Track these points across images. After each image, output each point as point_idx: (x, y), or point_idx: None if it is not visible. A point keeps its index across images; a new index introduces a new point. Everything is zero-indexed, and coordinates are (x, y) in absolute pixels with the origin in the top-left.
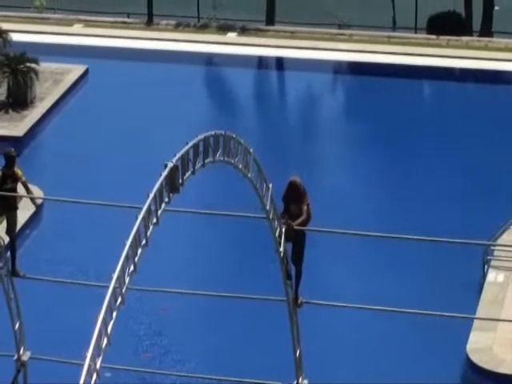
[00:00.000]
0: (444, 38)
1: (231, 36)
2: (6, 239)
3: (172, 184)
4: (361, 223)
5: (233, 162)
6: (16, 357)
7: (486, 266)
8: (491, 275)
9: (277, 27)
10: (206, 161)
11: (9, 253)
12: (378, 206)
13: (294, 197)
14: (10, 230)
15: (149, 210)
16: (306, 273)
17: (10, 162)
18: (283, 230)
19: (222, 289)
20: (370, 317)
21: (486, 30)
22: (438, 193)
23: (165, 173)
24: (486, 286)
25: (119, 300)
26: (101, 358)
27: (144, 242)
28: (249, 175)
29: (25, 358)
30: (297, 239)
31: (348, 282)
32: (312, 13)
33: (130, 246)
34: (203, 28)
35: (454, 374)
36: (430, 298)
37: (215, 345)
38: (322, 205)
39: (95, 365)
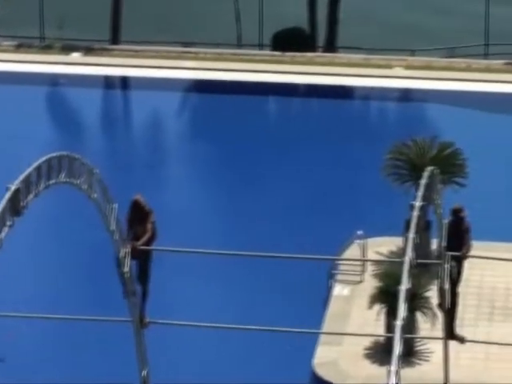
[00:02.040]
0: (289, 55)
1: (76, 56)
2: None
3: (14, 207)
4: (208, 242)
5: (77, 182)
6: None
7: (331, 281)
8: (337, 289)
9: (122, 46)
10: (50, 182)
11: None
12: (225, 224)
13: (138, 216)
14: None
15: None
16: (153, 292)
17: None
18: (128, 250)
19: (69, 312)
20: (219, 335)
21: (330, 46)
22: (285, 209)
23: (7, 196)
24: (331, 300)
25: None
26: None
27: None
28: (93, 196)
29: None
30: (142, 258)
31: (197, 301)
32: (157, 31)
33: None
34: (47, 48)
35: None
36: (278, 314)
37: (63, 370)
38: (168, 224)
39: None
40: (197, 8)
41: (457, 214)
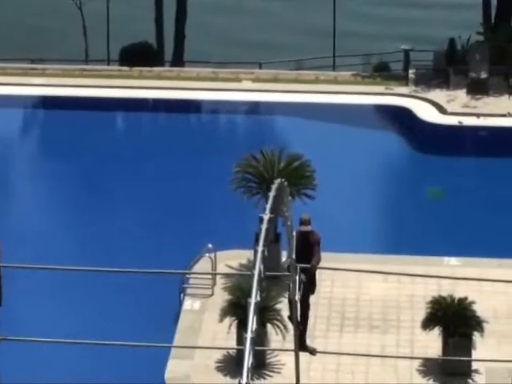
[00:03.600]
0: (136, 69)
1: None
2: None
3: None
4: (59, 258)
5: None
6: None
7: (182, 295)
8: (187, 303)
9: None
10: None
11: None
12: (76, 239)
13: None
14: None
15: None
16: (5, 308)
17: None
18: None
19: None
20: (73, 351)
21: (178, 60)
22: (136, 224)
23: None
24: (182, 314)
25: None
26: None
27: None
28: None
29: None
30: None
31: (50, 317)
32: (2, 48)
33: None
34: None
35: None
36: (130, 329)
37: None
38: (16, 240)
39: None
40: (43, 23)
41: (305, 225)
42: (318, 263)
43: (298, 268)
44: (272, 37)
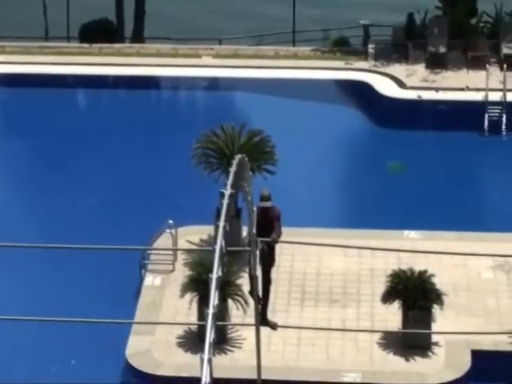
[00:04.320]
0: (96, 46)
1: None
2: None
3: None
4: (19, 235)
5: None
6: None
7: (143, 270)
8: (148, 279)
9: None
10: None
11: None
12: (35, 217)
13: None
14: None
15: None
16: None
17: None
18: None
19: None
20: (34, 327)
21: (138, 36)
22: (97, 200)
23: None
24: (143, 290)
25: None
26: None
27: None
28: None
29: None
30: None
31: (10, 294)
32: None
33: None
34: None
35: (115, 379)
36: (92, 305)
37: None
38: None
39: None
40: (2, 1)
41: (265, 200)
42: (278, 237)
43: (259, 242)
44: (234, 7)
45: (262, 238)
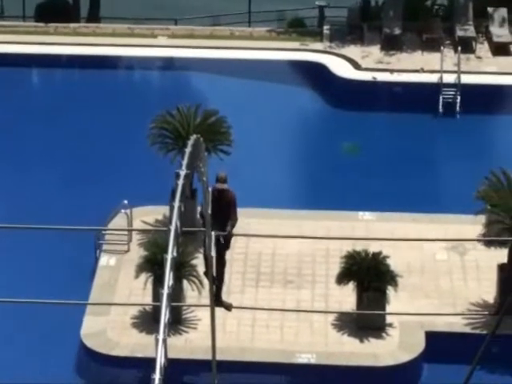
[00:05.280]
0: (52, 26)
1: None
2: None
3: None
4: None
5: None
6: None
7: (98, 251)
8: (103, 259)
9: None
10: None
11: None
12: None
13: None
14: None
15: None
16: None
17: None
18: None
19: None
20: None
21: (94, 16)
22: (52, 180)
23: None
24: (98, 270)
25: None
26: None
27: None
28: None
29: None
30: None
31: None
32: None
33: None
34: None
35: (70, 360)
36: (46, 286)
37: None
38: None
39: None
40: None
41: (221, 182)
42: (233, 226)
43: (213, 235)
44: None
45: (218, 232)
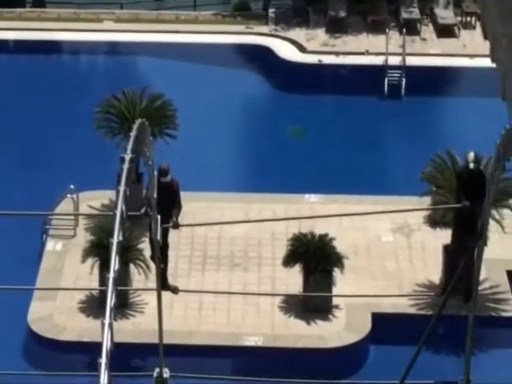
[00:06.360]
0: (2, 11)
1: None
2: None
3: None
4: None
5: None
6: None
7: (44, 236)
8: (50, 244)
9: None
10: None
11: None
12: None
13: None
14: None
15: None
16: None
17: None
18: None
19: None
20: None
21: (39, 1)
22: None
23: None
24: (45, 255)
25: None
26: None
27: None
28: None
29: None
30: None
31: None
32: None
33: None
34: None
35: (17, 345)
36: None
37: None
38: None
39: None
40: None
41: (164, 175)
42: (178, 214)
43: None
44: None
45: (164, 225)
